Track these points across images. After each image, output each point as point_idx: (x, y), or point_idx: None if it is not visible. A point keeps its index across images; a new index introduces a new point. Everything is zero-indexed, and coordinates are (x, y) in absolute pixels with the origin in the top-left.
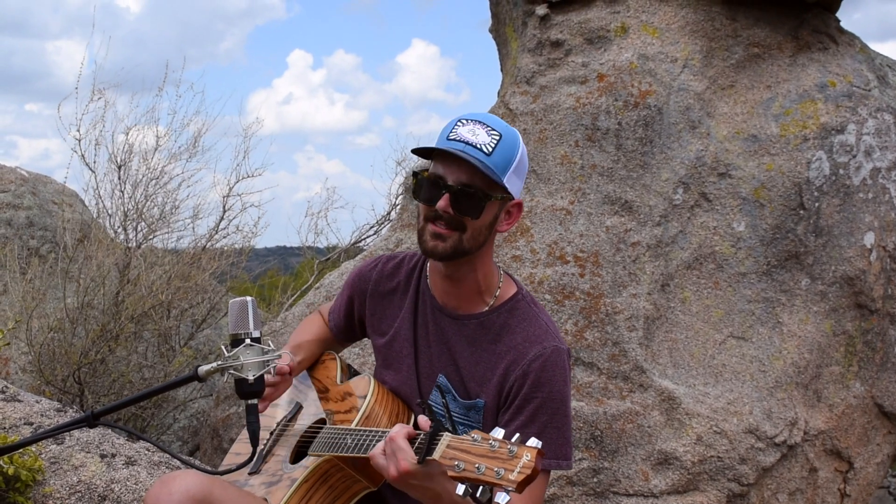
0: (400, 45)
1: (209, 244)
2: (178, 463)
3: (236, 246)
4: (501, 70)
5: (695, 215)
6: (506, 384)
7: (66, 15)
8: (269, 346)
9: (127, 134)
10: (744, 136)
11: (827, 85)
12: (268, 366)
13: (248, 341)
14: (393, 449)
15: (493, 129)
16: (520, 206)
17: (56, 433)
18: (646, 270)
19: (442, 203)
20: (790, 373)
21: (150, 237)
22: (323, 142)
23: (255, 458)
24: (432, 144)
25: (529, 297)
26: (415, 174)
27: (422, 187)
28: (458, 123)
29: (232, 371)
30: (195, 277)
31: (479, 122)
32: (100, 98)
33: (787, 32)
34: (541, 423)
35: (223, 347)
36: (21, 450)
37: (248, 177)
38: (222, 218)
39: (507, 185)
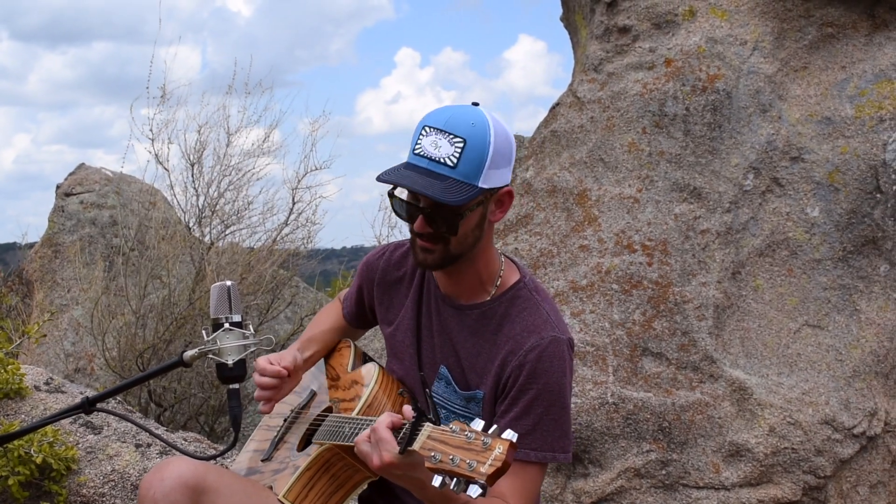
0: (506, 41)
1: (278, 237)
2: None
3: (298, 245)
4: (574, 59)
5: (766, 201)
6: (503, 375)
7: (179, 20)
8: (250, 330)
9: (234, 132)
10: (817, 119)
11: None
12: (248, 350)
13: (226, 325)
14: (376, 439)
15: (457, 136)
16: (510, 193)
17: (52, 421)
18: (715, 258)
19: (418, 225)
20: (869, 362)
21: (223, 234)
22: None
23: (268, 448)
24: (398, 165)
25: (532, 285)
26: (390, 195)
27: (399, 209)
28: (422, 133)
29: (211, 356)
30: (258, 269)
31: (441, 130)
32: (167, 98)
33: (863, 11)
34: (536, 414)
35: (203, 332)
36: (53, 439)
37: (316, 170)
38: (291, 211)
39: (483, 187)
